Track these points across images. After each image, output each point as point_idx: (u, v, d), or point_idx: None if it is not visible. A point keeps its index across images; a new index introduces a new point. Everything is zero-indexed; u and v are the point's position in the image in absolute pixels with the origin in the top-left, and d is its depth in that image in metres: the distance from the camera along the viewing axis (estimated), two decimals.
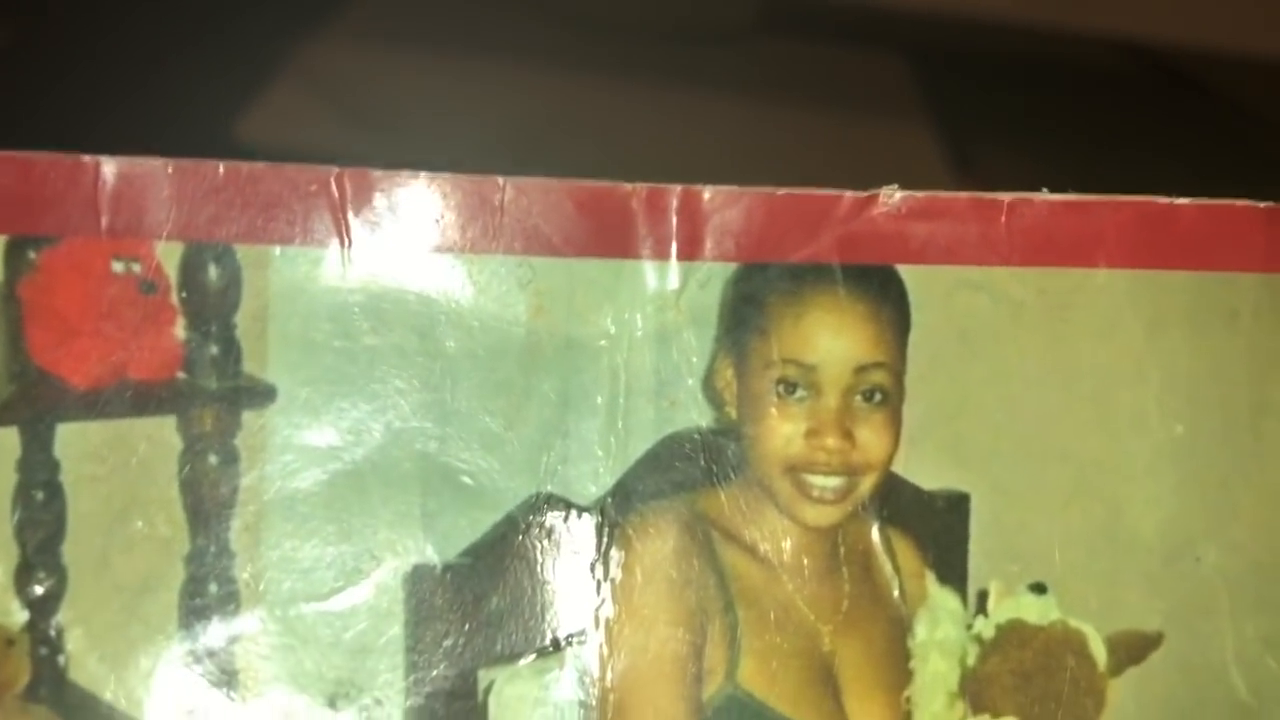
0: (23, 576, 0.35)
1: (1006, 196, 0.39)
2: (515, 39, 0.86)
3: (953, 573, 0.39)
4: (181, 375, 0.36)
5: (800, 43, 0.93)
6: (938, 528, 0.39)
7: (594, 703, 0.37)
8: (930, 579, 0.39)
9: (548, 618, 0.37)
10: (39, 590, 0.35)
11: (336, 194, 0.36)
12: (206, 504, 0.36)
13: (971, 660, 0.39)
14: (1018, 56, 0.93)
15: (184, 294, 0.36)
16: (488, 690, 0.37)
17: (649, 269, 0.38)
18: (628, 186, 0.38)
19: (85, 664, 0.35)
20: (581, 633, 0.37)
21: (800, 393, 0.38)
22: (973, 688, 0.39)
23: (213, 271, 0.36)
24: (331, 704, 0.36)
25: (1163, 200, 0.40)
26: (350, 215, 0.36)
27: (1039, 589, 0.39)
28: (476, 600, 0.37)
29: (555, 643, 0.37)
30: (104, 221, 0.35)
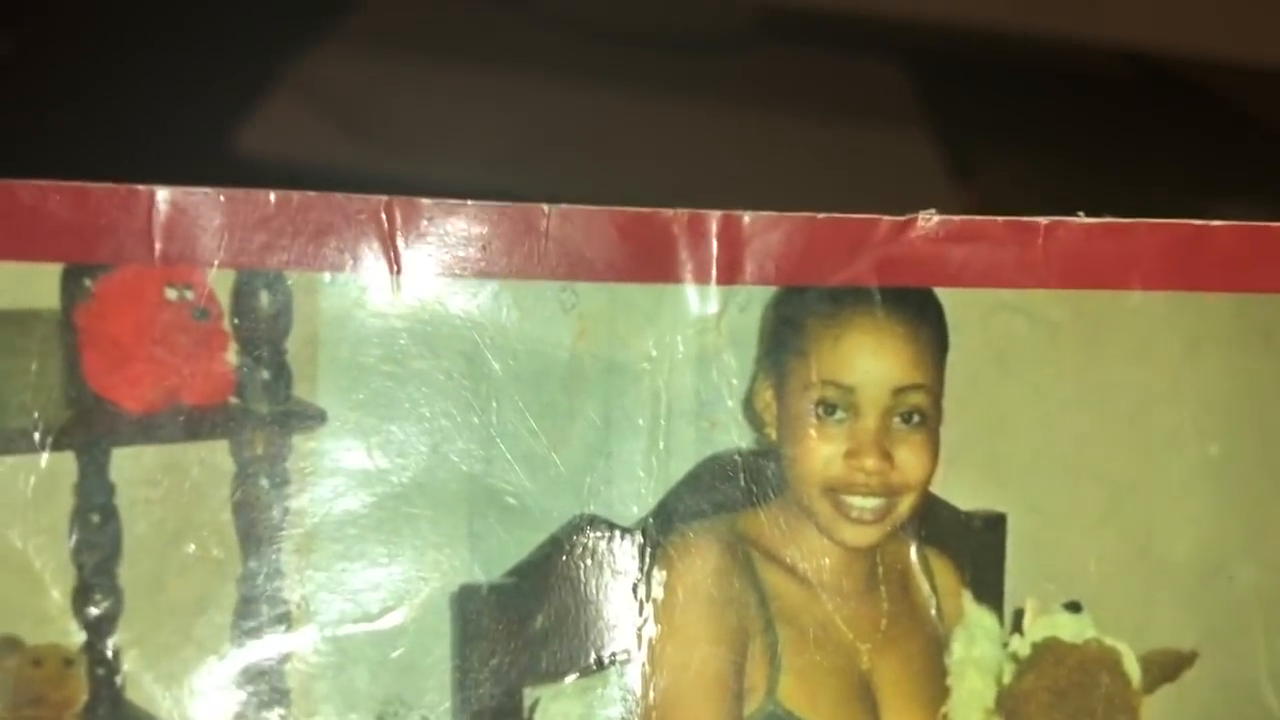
0: (80, 598, 0.36)
1: (1043, 220, 0.40)
2: (513, 49, 0.87)
3: (989, 592, 0.40)
4: (234, 400, 0.36)
5: (800, 51, 0.93)
6: (975, 547, 0.40)
7: None
8: (967, 598, 0.40)
9: (591, 637, 0.38)
10: (96, 611, 0.36)
11: (385, 222, 0.37)
12: (258, 527, 0.37)
13: (1007, 678, 0.40)
14: (1018, 64, 0.93)
15: (236, 320, 0.36)
16: (533, 708, 0.38)
17: (690, 293, 0.38)
18: (669, 212, 0.38)
19: (141, 684, 0.36)
20: (625, 651, 0.38)
21: (839, 414, 0.39)
22: (1008, 705, 0.40)
23: (264, 298, 0.36)
24: None
25: (1198, 222, 0.40)
26: (399, 243, 0.37)
27: (1074, 608, 0.40)
28: (522, 620, 0.38)
29: (599, 661, 0.38)
30: (158, 249, 0.36)
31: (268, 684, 0.37)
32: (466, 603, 0.37)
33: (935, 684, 0.40)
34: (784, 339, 0.39)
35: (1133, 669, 0.40)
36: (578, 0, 0.90)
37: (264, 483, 0.37)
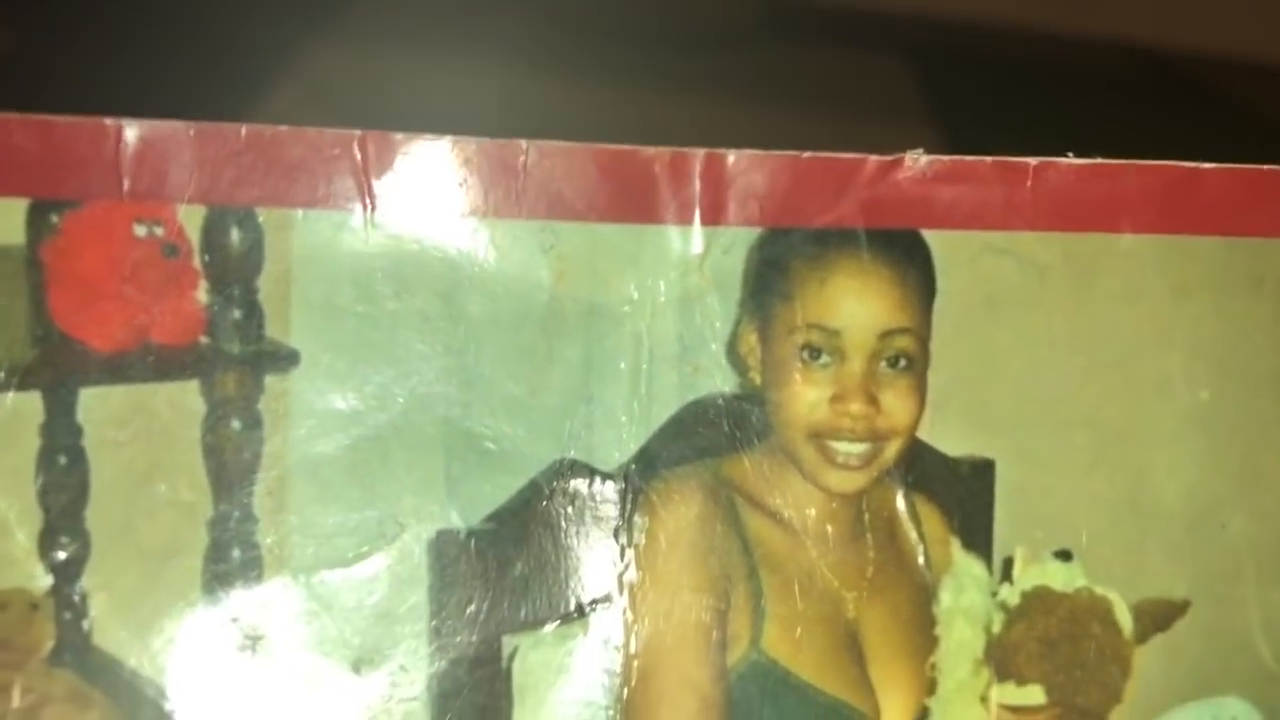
0: (46, 541, 0.35)
1: (1032, 160, 0.39)
2: (515, 43, 0.86)
3: (978, 539, 0.39)
4: (204, 339, 0.36)
5: (803, 47, 0.93)
6: (963, 494, 0.39)
7: (618, 669, 0.37)
8: (955, 545, 0.39)
9: (572, 584, 0.37)
10: (62, 555, 0.35)
11: (360, 157, 0.36)
12: (229, 469, 0.36)
13: (997, 627, 0.39)
14: (1020, 60, 0.93)
15: (206, 257, 0.35)
16: (512, 656, 0.37)
17: (673, 234, 0.38)
18: (651, 150, 0.37)
19: (109, 629, 0.35)
20: (606, 599, 0.37)
21: (825, 358, 0.38)
22: (998, 655, 0.39)
23: (235, 235, 0.35)
24: (356, 669, 0.36)
25: (1188, 165, 0.40)
26: (373, 179, 0.36)
27: (1064, 556, 0.39)
28: (500, 566, 0.37)
29: (579, 609, 0.37)
30: (126, 185, 0.35)
31: (239, 630, 0.36)
32: (444, 549, 0.37)
33: (923, 633, 0.39)
34: (768, 281, 0.38)
35: (1124, 618, 0.39)
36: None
37: (235, 424, 0.36)
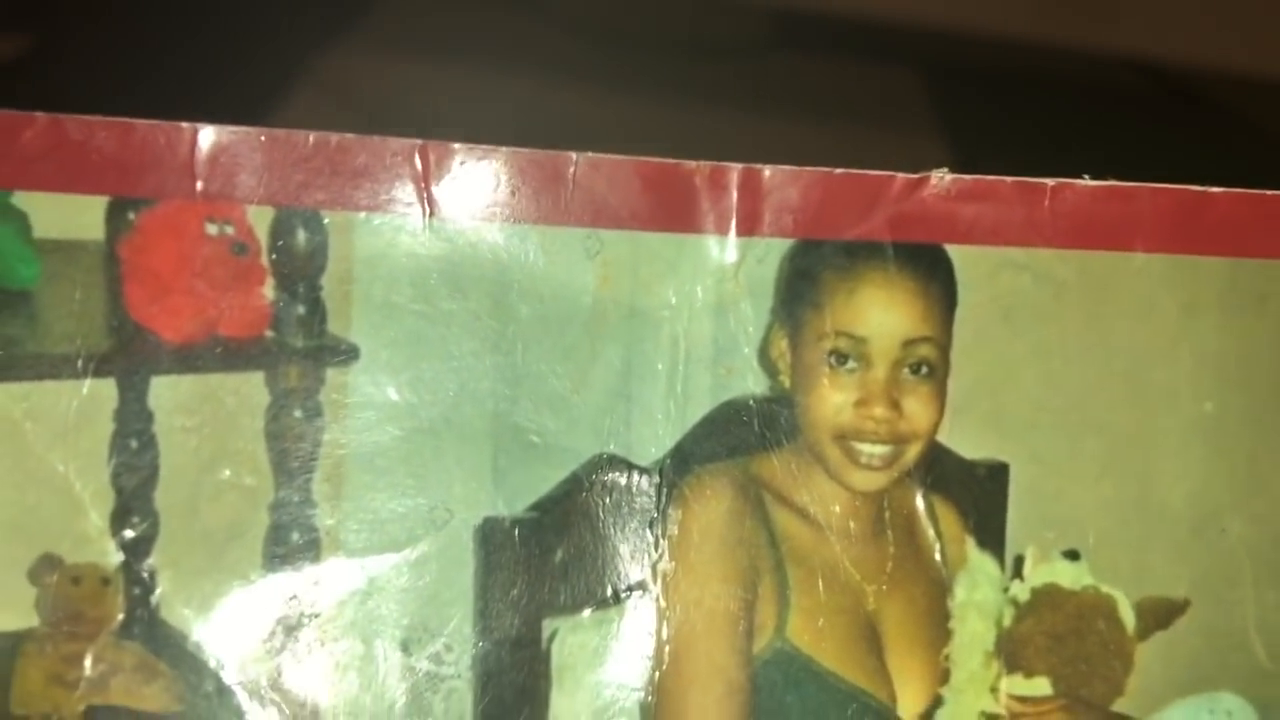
0: (118, 520, 0.37)
1: (1050, 181, 0.41)
2: (531, 51, 0.88)
3: (991, 538, 0.41)
4: (269, 333, 0.38)
5: (813, 58, 0.94)
6: (978, 495, 0.41)
7: (651, 653, 0.39)
8: (970, 544, 0.41)
9: (609, 572, 0.39)
10: (133, 534, 0.37)
11: (420, 165, 0.38)
12: (290, 456, 0.38)
13: (1007, 621, 0.41)
14: (1030, 73, 0.94)
15: (273, 256, 0.38)
16: (551, 639, 0.39)
17: (710, 243, 0.40)
18: (692, 164, 0.40)
19: (175, 604, 0.37)
20: (640, 586, 0.40)
21: (851, 364, 0.40)
22: (1008, 648, 0.41)
23: (301, 235, 0.38)
24: (404, 649, 0.38)
25: (1198, 189, 0.42)
26: (432, 185, 0.38)
27: (1073, 555, 0.42)
28: (542, 553, 0.39)
29: (615, 595, 0.39)
30: (199, 185, 0.37)
31: (297, 609, 0.38)
32: (490, 535, 0.39)
33: (938, 626, 0.41)
34: (799, 290, 0.40)
35: (1127, 615, 0.42)
36: (595, 6, 0.91)
37: (297, 414, 0.38)
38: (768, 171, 0.40)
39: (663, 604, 0.39)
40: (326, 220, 0.38)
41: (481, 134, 0.39)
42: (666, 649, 0.39)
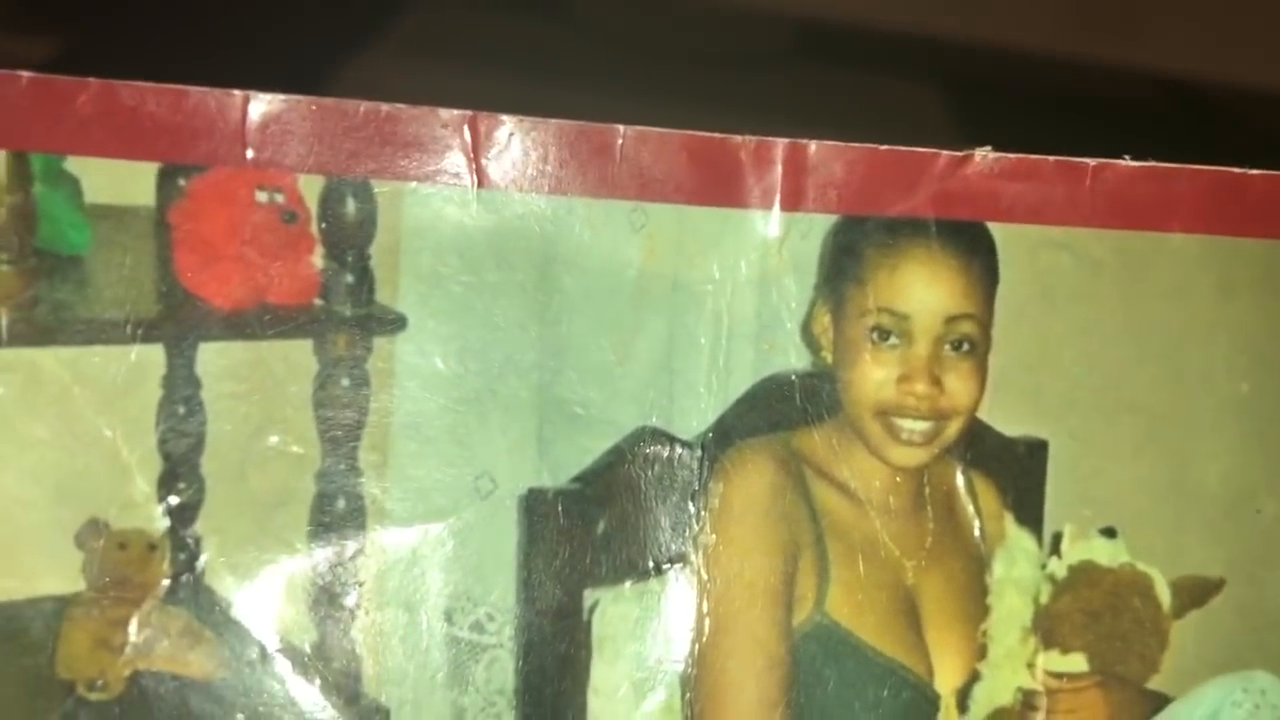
0: (165, 486, 0.37)
1: (1091, 161, 0.41)
2: (552, 60, 0.88)
3: (1030, 515, 0.42)
4: (318, 301, 0.38)
5: (835, 70, 0.94)
6: (1017, 472, 0.42)
7: (691, 625, 0.40)
8: (1009, 520, 0.42)
9: (650, 544, 0.40)
10: (179, 500, 0.37)
11: (469, 136, 0.38)
12: (337, 424, 0.38)
13: (1045, 598, 0.41)
14: (1052, 87, 0.94)
15: (323, 225, 0.38)
16: (593, 609, 0.39)
17: (755, 217, 0.40)
18: (737, 139, 0.40)
19: (220, 571, 0.37)
20: (681, 558, 0.40)
21: (893, 340, 0.40)
22: (1045, 624, 0.42)
23: (351, 205, 0.38)
24: (448, 618, 0.39)
25: (1236, 170, 0.42)
26: (481, 157, 0.38)
27: (1110, 533, 0.42)
28: (586, 524, 0.39)
29: (657, 567, 0.40)
30: (250, 154, 0.37)
31: (341, 576, 0.38)
32: (534, 506, 0.39)
33: (976, 602, 0.41)
34: (843, 266, 0.40)
35: (1163, 594, 0.42)
36: (618, 15, 0.91)
37: (345, 382, 0.38)
38: (813, 147, 0.40)
39: (703, 576, 0.40)
40: (376, 190, 0.38)
41: None
42: (706, 621, 0.40)
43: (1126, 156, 0.42)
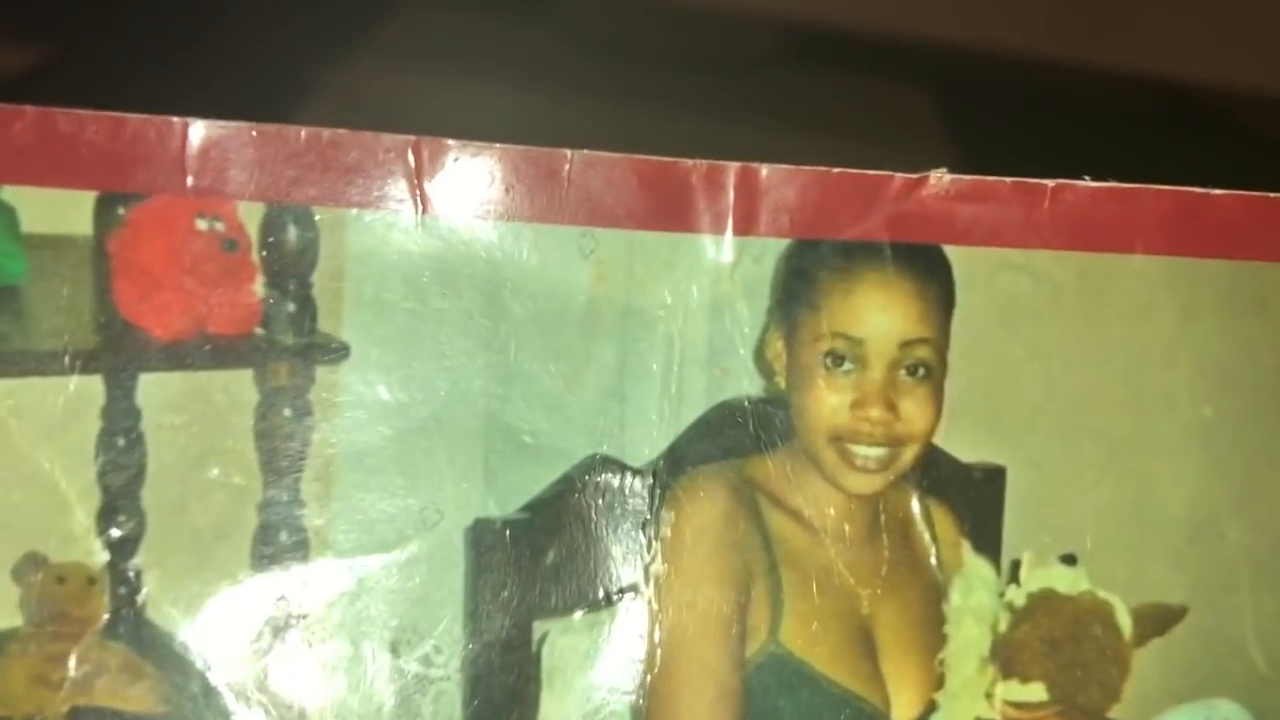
0: (104, 519, 0.37)
1: (1050, 182, 0.41)
2: (540, 66, 0.87)
3: (987, 542, 0.41)
4: (259, 331, 0.37)
5: (823, 73, 0.94)
6: (974, 499, 0.41)
7: (642, 656, 0.39)
8: (966, 548, 0.41)
9: (600, 574, 0.39)
10: (119, 533, 0.37)
11: (413, 161, 0.38)
12: (279, 455, 0.37)
13: (1003, 627, 0.41)
14: (1041, 90, 0.94)
15: (264, 253, 0.37)
16: (542, 641, 0.39)
17: (706, 242, 0.39)
18: (688, 163, 0.39)
19: (161, 605, 0.37)
20: (632, 589, 0.39)
21: (847, 365, 0.40)
22: (1003, 653, 0.41)
23: (292, 232, 0.37)
24: (393, 650, 0.38)
25: (1199, 190, 0.41)
26: (425, 182, 0.38)
27: (1069, 560, 0.41)
28: (534, 555, 0.39)
29: (607, 598, 0.39)
30: (189, 181, 0.37)
31: (285, 610, 0.38)
32: (480, 536, 0.38)
33: (933, 631, 0.41)
34: (796, 291, 0.40)
35: (1124, 622, 0.41)
36: (605, 19, 0.91)
37: (286, 412, 0.37)
38: (765, 171, 0.39)
39: (655, 607, 0.39)
40: (318, 217, 0.37)
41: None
42: (658, 652, 0.39)
43: (1086, 177, 0.41)
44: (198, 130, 0.37)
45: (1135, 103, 0.95)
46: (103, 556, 0.37)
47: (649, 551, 0.39)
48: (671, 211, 0.39)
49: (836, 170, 0.40)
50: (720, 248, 0.39)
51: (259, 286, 0.37)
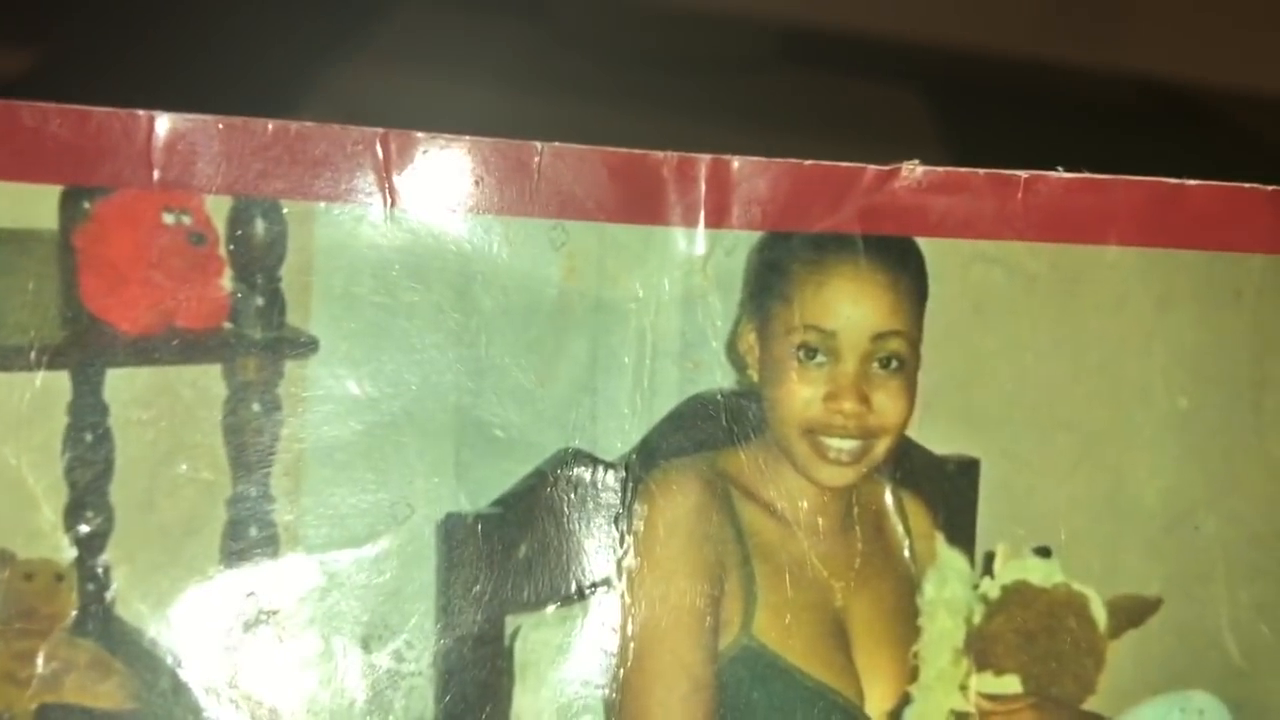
0: (72, 515, 0.36)
1: (1023, 174, 0.41)
2: (536, 67, 0.87)
3: (961, 535, 0.41)
4: (227, 325, 0.37)
5: (818, 75, 0.93)
6: (948, 491, 0.41)
7: (615, 649, 0.39)
8: (940, 540, 0.41)
9: (573, 567, 0.39)
10: (87, 529, 0.36)
11: (381, 154, 0.37)
12: (248, 450, 0.37)
13: (977, 619, 0.41)
14: (1035, 91, 0.93)
15: (231, 246, 0.37)
16: (514, 635, 0.39)
17: (678, 235, 0.39)
18: (659, 155, 0.39)
19: (130, 601, 0.37)
20: (605, 582, 0.39)
21: (820, 358, 0.40)
22: (978, 645, 0.41)
23: (260, 225, 0.37)
24: (365, 645, 0.38)
25: (1173, 181, 0.41)
26: (394, 175, 0.38)
27: (1044, 552, 0.41)
28: (506, 549, 0.39)
29: (580, 591, 0.39)
30: (156, 174, 0.36)
31: (254, 605, 0.37)
32: (452, 531, 0.38)
33: (907, 623, 0.41)
34: (768, 283, 0.40)
35: (1099, 614, 0.41)
36: (600, 21, 0.90)
37: (255, 407, 0.37)
38: (736, 163, 0.39)
39: (627, 600, 0.39)
40: (286, 210, 0.37)
41: None
42: (631, 646, 0.39)
43: (1059, 168, 0.41)
44: (164, 123, 0.36)
45: (1129, 103, 0.95)
46: (71, 553, 0.36)
47: (621, 545, 0.39)
48: (643, 204, 0.39)
49: (808, 162, 0.39)
50: (692, 240, 0.39)
51: (227, 280, 0.37)
